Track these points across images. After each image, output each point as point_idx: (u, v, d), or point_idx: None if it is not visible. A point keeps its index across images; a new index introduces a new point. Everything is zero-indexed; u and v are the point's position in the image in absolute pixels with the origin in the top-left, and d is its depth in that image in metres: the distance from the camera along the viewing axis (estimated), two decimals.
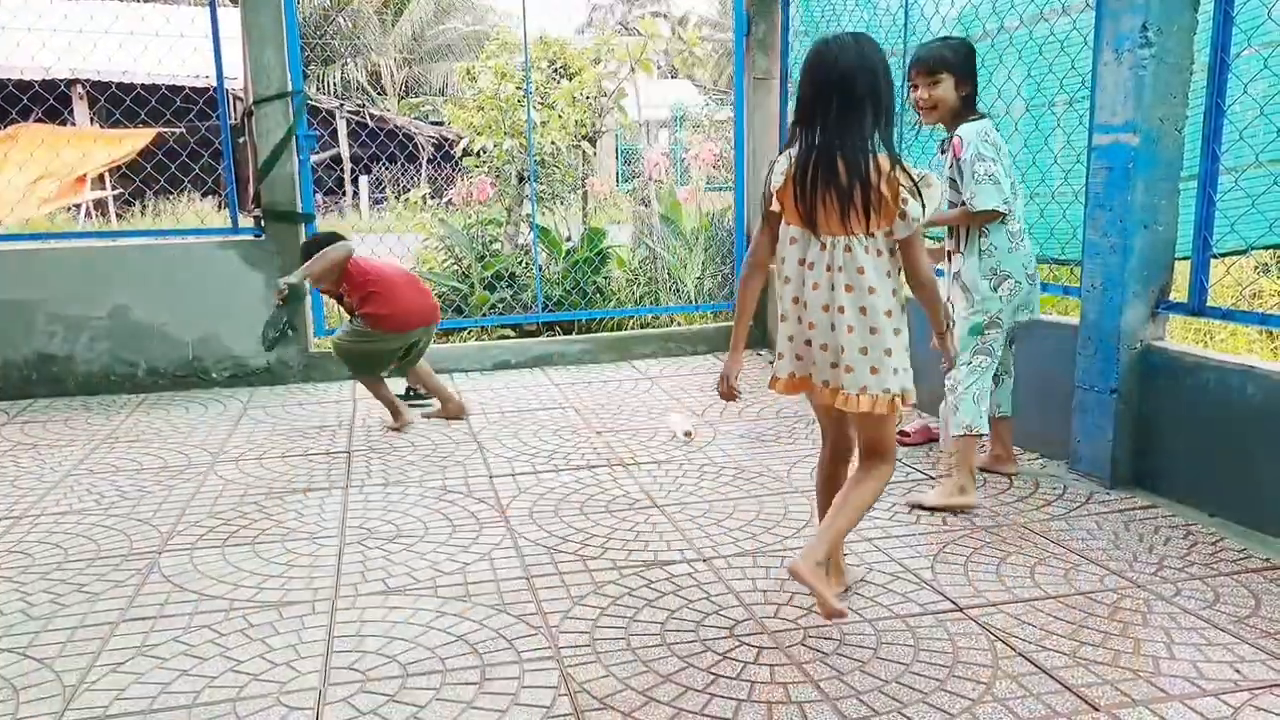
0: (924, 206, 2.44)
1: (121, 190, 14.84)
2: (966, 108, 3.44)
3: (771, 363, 2.78)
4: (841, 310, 2.49)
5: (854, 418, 2.63)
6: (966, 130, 3.38)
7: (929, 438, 4.30)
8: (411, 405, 5.02)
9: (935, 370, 3.04)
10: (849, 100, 2.41)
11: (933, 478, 3.81)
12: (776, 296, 2.67)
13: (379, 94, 26.52)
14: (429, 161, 17.39)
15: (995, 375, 3.64)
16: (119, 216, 15.16)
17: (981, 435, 3.50)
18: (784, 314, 2.62)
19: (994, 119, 3.57)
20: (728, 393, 2.73)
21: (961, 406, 3.49)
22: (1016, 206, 3.45)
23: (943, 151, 3.53)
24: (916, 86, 3.43)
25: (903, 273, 2.54)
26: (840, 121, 2.41)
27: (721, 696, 2.31)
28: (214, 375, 5.62)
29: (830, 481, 2.77)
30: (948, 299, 3.52)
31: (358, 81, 26.48)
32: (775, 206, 2.56)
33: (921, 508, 3.49)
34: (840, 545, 2.75)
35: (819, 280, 2.51)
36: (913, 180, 2.43)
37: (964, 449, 3.47)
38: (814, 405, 2.74)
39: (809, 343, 2.57)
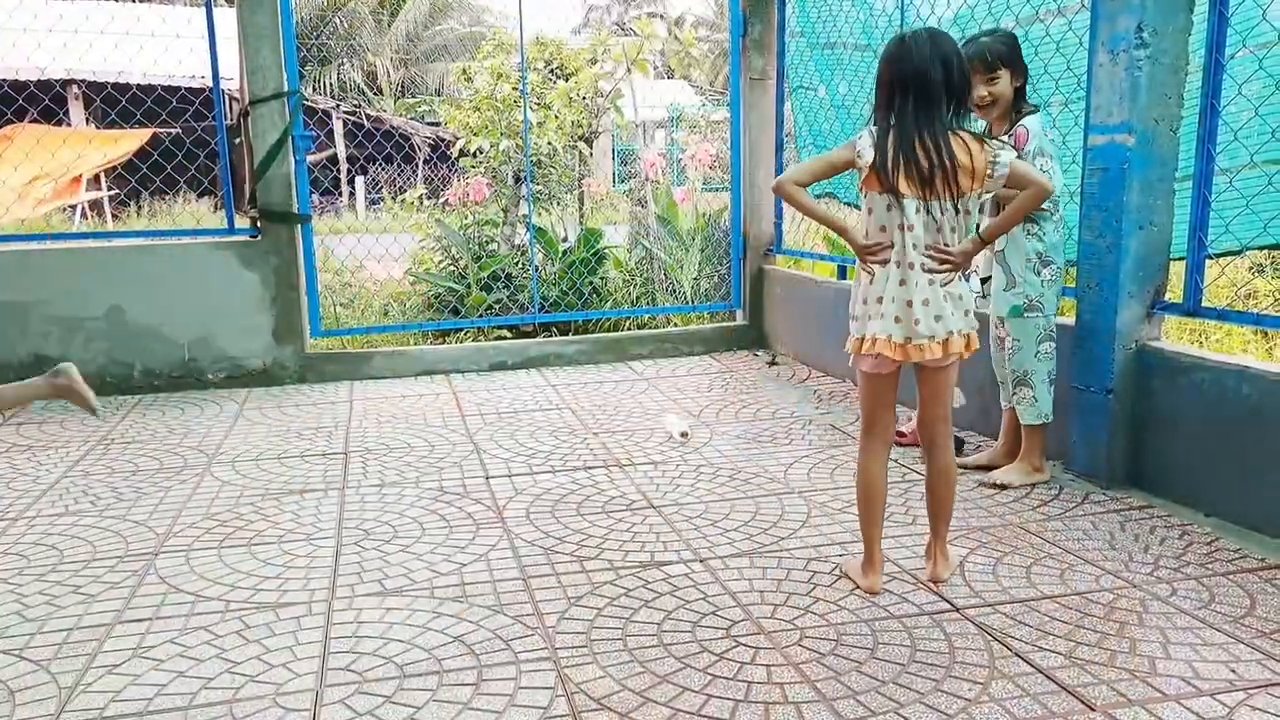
0: (1013, 159, 2.66)
1: (117, 191, 14.82)
2: (1019, 100, 3.52)
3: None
4: None
5: (930, 381, 2.80)
6: (1032, 123, 3.47)
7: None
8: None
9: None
10: (925, 91, 2.58)
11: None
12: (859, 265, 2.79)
13: (375, 94, 26.49)
14: (425, 162, 17.39)
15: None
16: (115, 217, 15.14)
17: (1050, 420, 3.67)
18: (875, 276, 2.72)
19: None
20: (873, 249, 2.74)
21: (1040, 399, 3.63)
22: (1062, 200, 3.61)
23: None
24: (974, 84, 3.45)
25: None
26: (918, 110, 2.59)
27: (718, 697, 2.31)
28: (210, 376, 5.61)
29: (879, 472, 2.84)
30: (986, 274, 3.70)
31: (354, 82, 26.46)
32: (861, 166, 2.67)
33: (1003, 486, 3.66)
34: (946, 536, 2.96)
35: (917, 241, 2.67)
36: (1000, 144, 2.70)
37: (1041, 435, 3.67)
38: (879, 388, 2.81)
39: (909, 303, 2.68)
